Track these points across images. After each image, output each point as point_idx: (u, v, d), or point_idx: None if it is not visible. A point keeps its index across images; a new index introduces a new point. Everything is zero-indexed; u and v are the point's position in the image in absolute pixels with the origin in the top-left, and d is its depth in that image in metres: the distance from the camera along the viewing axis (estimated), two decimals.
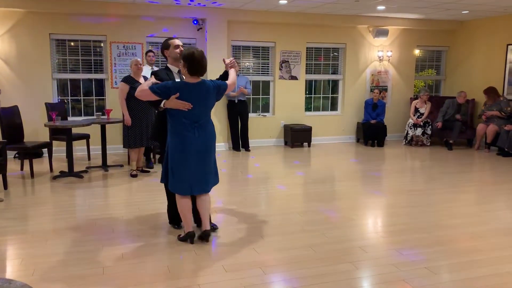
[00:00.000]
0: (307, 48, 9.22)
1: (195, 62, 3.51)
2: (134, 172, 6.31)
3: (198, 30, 8.36)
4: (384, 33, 9.45)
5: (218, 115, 8.44)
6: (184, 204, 3.72)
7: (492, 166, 7.41)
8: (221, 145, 8.55)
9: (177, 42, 3.94)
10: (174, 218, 4.17)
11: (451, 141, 8.87)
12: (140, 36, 8.13)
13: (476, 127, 8.93)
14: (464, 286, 3.05)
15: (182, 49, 3.81)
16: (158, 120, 4.00)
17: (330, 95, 9.81)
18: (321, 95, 9.75)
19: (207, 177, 3.73)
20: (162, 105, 3.55)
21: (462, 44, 9.86)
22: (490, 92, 8.63)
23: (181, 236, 3.83)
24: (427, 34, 9.94)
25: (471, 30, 9.62)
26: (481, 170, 7.41)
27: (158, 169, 6.76)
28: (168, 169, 3.71)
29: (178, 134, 3.58)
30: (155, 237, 3.98)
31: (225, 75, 4.09)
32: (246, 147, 8.46)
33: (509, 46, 8.73)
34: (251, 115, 8.92)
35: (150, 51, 7.60)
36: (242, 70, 8.82)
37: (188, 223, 3.75)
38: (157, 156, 7.24)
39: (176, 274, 3.21)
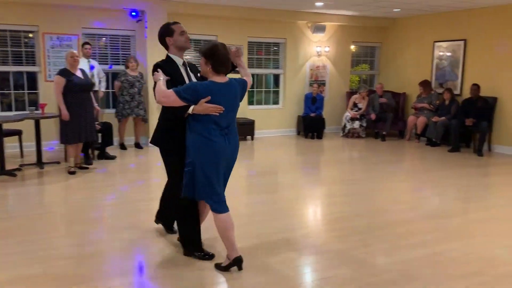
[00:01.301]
0: (248, 42, 9.30)
1: (221, 57, 3.00)
2: (72, 169, 6.07)
3: (137, 21, 8.16)
4: (322, 29, 9.75)
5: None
6: (227, 220, 3.09)
7: (422, 156, 7.95)
8: None
9: (183, 27, 3.32)
10: (196, 241, 3.38)
11: (384, 133, 9.38)
12: (76, 27, 7.79)
13: (407, 119, 9.51)
14: (400, 267, 3.29)
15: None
16: (164, 123, 3.32)
17: (272, 89, 9.99)
18: (263, 89, 9.90)
19: (223, 195, 3.19)
20: (190, 111, 2.96)
21: (394, 41, 10.41)
22: (425, 84, 9.20)
23: (223, 264, 3.16)
24: (361, 31, 10.38)
25: (402, 28, 10.18)
26: (412, 159, 7.92)
27: (97, 165, 6.56)
28: (201, 182, 3.03)
29: (208, 141, 2.99)
30: (98, 234, 3.89)
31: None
32: None
33: (435, 43, 9.35)
34: None
35: (87, 43, 7.32)
36: None
37: (232, 246, 3.12)
38: (96, 152, 7.01)
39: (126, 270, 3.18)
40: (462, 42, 8.75)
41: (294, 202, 4.95)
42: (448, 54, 9.09)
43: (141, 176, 6.19)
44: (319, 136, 9.45)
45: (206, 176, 3.02)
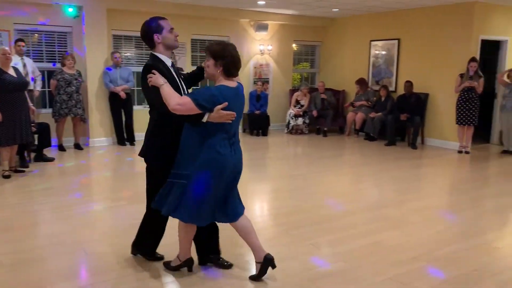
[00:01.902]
0: (192, 40, 9.22)
1: (234, 59, 2.76)
2: (7, 173, 5.73)
3: (74, 18, 7.82)
4: (264, 27, 9.89)
5: (100, 108, 8.04)
6: (192, 230, 2.98)
7: (361, 150, 8.31)
8: (104, 140, 8.16)
9: (170, 23, 2.96)
10: (152, 249, 3.29)
11: (325, 129, 9.70)
12: (6, 23, 7.33)
13: (346, 115, 9.88)
14: (344, 257, 3.45)
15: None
16: (156, 131, 2.92)
17: None
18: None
19: (235, 203, 3.01)
20: (205, 120, 2.67)
21: (333, 40, 10.77)
22: (361, 83, 9.60)
23: (172, 264, 3.13)
24: (303, 30, 10.64)
25: (340, 27, 10.55)
26: (351, 153, 8.26)
27: (34, 167, 6.23)
28: (188, 198, 2.78)
29: (217, 155, 2.74)
30: (35, 241, 3.72)
31: (201, 72, 3.23)
32: (131, 141, 8.20)
33: (372, 42, 9.80)
34: (135, 107, 8.66)
35: (20, 40, 6.92)
36: (125, 61, 8.49)
37: (188, 249, 3.07)
38: (33, 154, 6.66)
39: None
40: (396, 41, 9.24)
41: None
42: (384, 52, 9.56)
43: (80, 178, 5.96)
44: (264, 133, 9.59)
45: (201, 194, 2.75)
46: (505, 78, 7.79)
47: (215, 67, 2.75)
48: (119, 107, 8.02)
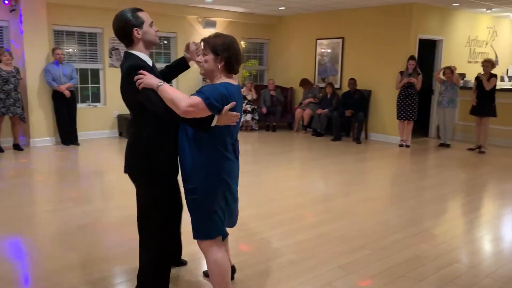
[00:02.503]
0: None
1: (237, 53, 2.43)
2: None
3: (10, 11, 7.41)
4: (213, 24, 9.86)
5: (42, 106, 7.68)
6: (225, 256, 2.53)
7: (309, 145, 8.53)
8: (46, 140, 7.80)
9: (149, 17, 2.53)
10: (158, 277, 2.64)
11: (274, 124, 9.86)
12: None
13: (294, 112, 10.09)
14: (295, 249, 3.55)
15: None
16: (150, 141, 2.46)
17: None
18: None
19: (236, 208, 2.66)
20: (214, 123, 2.29)
21: (281, 38, 10.94)
22: (304, 83, 9.86)
23: None
24: (251, 27, 10.71)
25: (288, 25, 10.73)
26: (300, 149, 8.45)
27: None
28: (210, 211, 2.40)
29: (226, 160, 2.42)
30: None
31: (181, 66, 3.01)
32: (75, 140, 7.90)
33: (317, 41, 10.05)
34: (79, 105, 8.36)
35: None
36: (67, 58, 8.16)
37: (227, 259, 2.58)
38: None
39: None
40: (340, 40, 9.54)
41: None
42: (329, 51, 9.84)
43: (21, 180, 5.68)
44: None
45: (208, 201, 2.39)
46: (440, 75, 8.29)
47: (215, 63, 2.39)
48: (63, 105, 7.70)
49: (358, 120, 8.69)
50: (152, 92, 2.29)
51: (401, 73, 8.08)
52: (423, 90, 8.51)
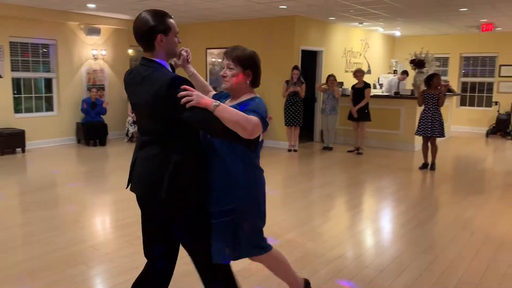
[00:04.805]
0: (10, 42, 8.22)
1: (260, 66, 2.39)
2: None
3: None
4: (96, 31, 9.40)
5: None
6: (276, 256, 2.56)
7: None
8: None
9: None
10: None
11: None
12: None
13: None
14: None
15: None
16: (190, 163, 2.15)
17: (44, 95, 9.08)
18: (34, 95, 8.91)
19: None
20: (261, 138, 2.26)
21: None
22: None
23: None
24: None
25: (180, 34, 10.62)
26: None
27: None
28: (256, 225, 2.36)
29: (259, 171, 2.39)
30: None
31: None
32: None
33: (208, 50, 10.15)
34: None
35: None
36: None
37: (295, 274, 2.68)
38: None
39: None
40: None
41: (79, 214, 4.68)
42: (220, 60, 9.99)
43: None
44: (102, 142, 9.10)
45: (256, 217, 2.34)
46: (323, 85, 8.91)
47: (244, 77, 2.31)
48: None
49: None
50: (205, 111, 2.01)
51: (287, 82, 8.52)
52: (307, 98, 9.07)
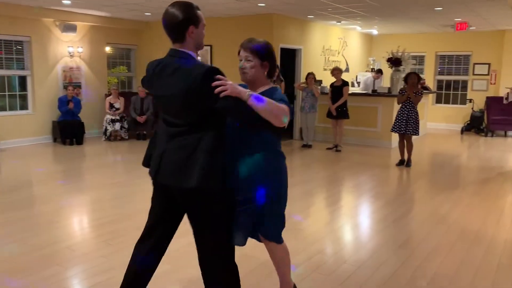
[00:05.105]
0: None
1: (276, 59, 2.47)
2: None
3: None
4: (72, 28, 9.22)
5: None
6: (285, 248, 2.64)
7: None
8: None
9: None
10: None
11: (145, 132, 9.61)
12: None
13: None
14: (168, 259, 3.48)
15: None
16: (216, 151, 2.17)
17: (18, 93, 8.87)
18: (7, 93, 8.69)
19: None
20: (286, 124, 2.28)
21: (149, 43, 10.70)
22: None
23: None
24: (116, 32, 10.27)
25: (155, 31, 10.53)
26: None
27: None
28: (279, 212, 2.47)
29: (282, 157, 2.47)
30: None
31: None
32: None
33: None
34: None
35: None
36: None
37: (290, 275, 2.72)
38: None
39: None
40: (208, 47, 9.70)
41: (55, 214, 4.59)
42: (198, 58, 9.88)
43: None
44: (79, 141, 8.93)
45: (281, 203, 2.45)
46: (302, 84, 8.95)
47: (262, 68, 2.36)
48: None
49: None
50: (238, 101, 2.09)
51: None
52: (286, 96, 9.07)
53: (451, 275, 3.27)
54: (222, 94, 2.05)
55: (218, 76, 2.09)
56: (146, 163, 2.44)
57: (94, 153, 8.27)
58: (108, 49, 10.32)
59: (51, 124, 9.15)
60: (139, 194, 5.45)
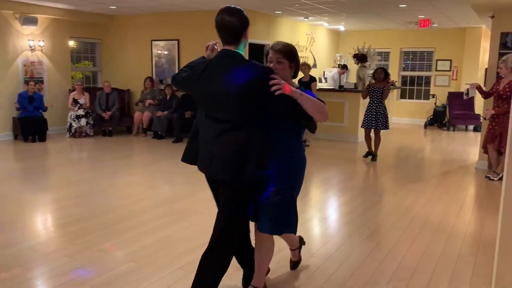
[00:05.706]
0: None
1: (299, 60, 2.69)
2: None
3: None
4: (33, 21, 8.88)
5: None
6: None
7: (149, 149, 8.36)
8: None
9: None
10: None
11: (110, 129, 9.41)
12: None
13: (133, 114, 9.76)
14: (133, 257, 3.43)
15: None
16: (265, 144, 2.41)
17: None
18: None
19: None
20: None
21: (114, 38, 10.45)
22: (148, 80, 9.60)
23: None
24: (80, 26, 9.97)
25: (121, 25, 10.31)
26: (140, 153, 8.24)
27: None
28: (293, 208, 2.73)
29: (304, 153, 2.73)
30: None
31: None
32: None
33: (153, 42, 9.91)
34: None
35: None
36: None
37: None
38: None
39: None
40: (176, 42, 9.58)
41: (16, 214, 4.43)
42: (166, 52, 9.79)
43: None
44: (42, 138, 8.64)
45: (295, 198, 2.72)
46: None
47: (290, 69, 2.54)
48: None
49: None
50: (289, 99, 2.29)
51: None
52: None
53: (414, 267, 3.37)
54: (277, 93, 2.24)
55: (273, 75, 2.28)
56: (189, 160, 2.58)
57: (58, 150, 8.03)
58: (71, 43, 10.02)
59: (11, 121, 8.81)
60: (104, 192, 5.33)
